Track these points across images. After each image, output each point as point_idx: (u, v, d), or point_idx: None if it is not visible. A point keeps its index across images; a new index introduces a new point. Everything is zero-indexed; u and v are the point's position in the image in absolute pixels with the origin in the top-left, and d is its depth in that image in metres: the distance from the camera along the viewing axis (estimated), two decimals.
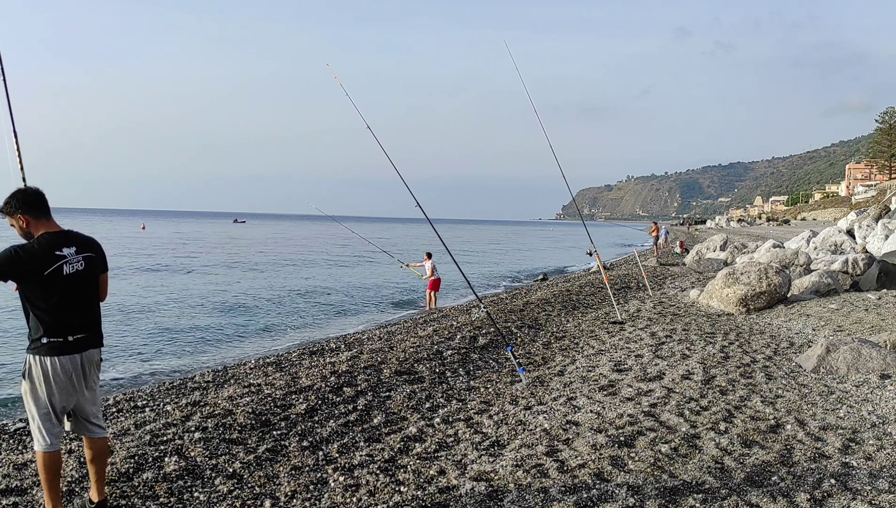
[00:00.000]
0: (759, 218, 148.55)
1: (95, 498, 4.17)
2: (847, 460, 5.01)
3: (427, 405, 6.84)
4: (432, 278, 18.91)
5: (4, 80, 4.79)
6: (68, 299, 3.87)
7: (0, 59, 4.73)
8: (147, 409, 6.85)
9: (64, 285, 3.84)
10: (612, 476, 4.71)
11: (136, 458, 5.12)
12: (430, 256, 18.83)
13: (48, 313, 3.81)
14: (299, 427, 6.03)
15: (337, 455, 5.35)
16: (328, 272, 32.07)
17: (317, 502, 4.47)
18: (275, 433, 5.87)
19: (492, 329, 10.88)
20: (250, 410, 6.42)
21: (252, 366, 9.59)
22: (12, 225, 3.95)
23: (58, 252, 3.85)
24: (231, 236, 74.89)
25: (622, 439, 5.40)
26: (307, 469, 5.07)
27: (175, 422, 6.11)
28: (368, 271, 33.12)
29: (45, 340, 3.81)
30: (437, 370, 8.35)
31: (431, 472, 4.94)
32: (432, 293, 18.99)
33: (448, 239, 11.00)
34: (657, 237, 33.14)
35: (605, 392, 6.93)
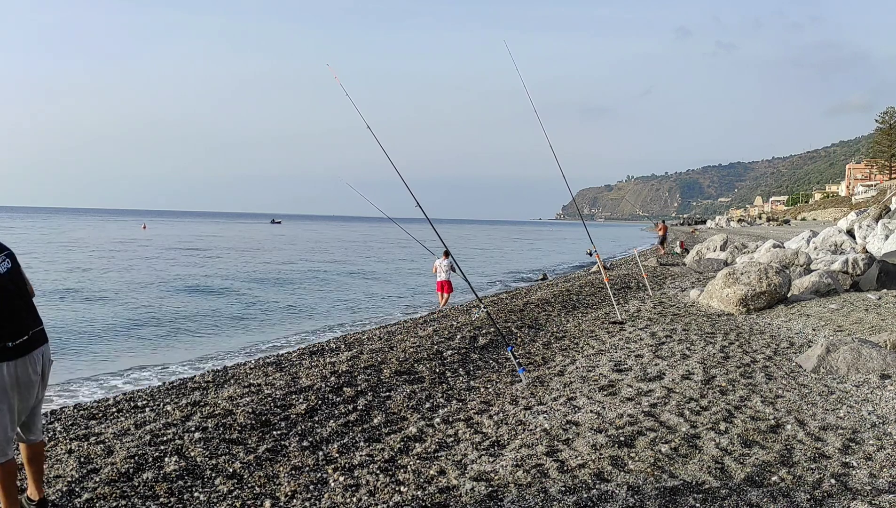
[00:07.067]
0: (759, 218, 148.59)
1: (36, 497, 4.15)
2: (847, 460, 5.01)
3: (427, 405, 6.84)
4: (440, 279, 18.30)
5: None
6: (16, 297, 3.82)
7: None
8: (147, 409, 6.85)
9: (6, 284, 3.78)
10: (612, 476, 4.71)
11: (136, 458, 5.12)
12: (447, 254, 17.39)
13: (4, 313, 3.72)
14: (299, 427, 6.03)
15: (337, 455, 5.35)
16: (334, 273, 32.07)
17: (317, 502, 4.47)
18: (275, 433, 5.87)
19: (492, 329, 10.87)
20: (250, 410, 6.42)
21: (252, 366, 9.59)
22: None
23: None
24: (274, 236, 76.22)
25: (622, 439, 5.40)
26: (307, 469, 5.07)
27: (175, 422, 6.11)
28: (373, 271, 33.13)
29: (10, 344, 3.70)
30: (437, 370, 8.35)
31: (431, 472, 4.94)
32: (441, 294, 18.49)
33: (448, 239, 11.01)
34: (664, 236, 33.40)
35: (605, 392, 6.93)
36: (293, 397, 6.99)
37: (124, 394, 8.10)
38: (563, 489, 4.52)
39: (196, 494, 4.57)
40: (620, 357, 8.75)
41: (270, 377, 8.18)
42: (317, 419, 6.32)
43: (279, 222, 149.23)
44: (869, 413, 6.15)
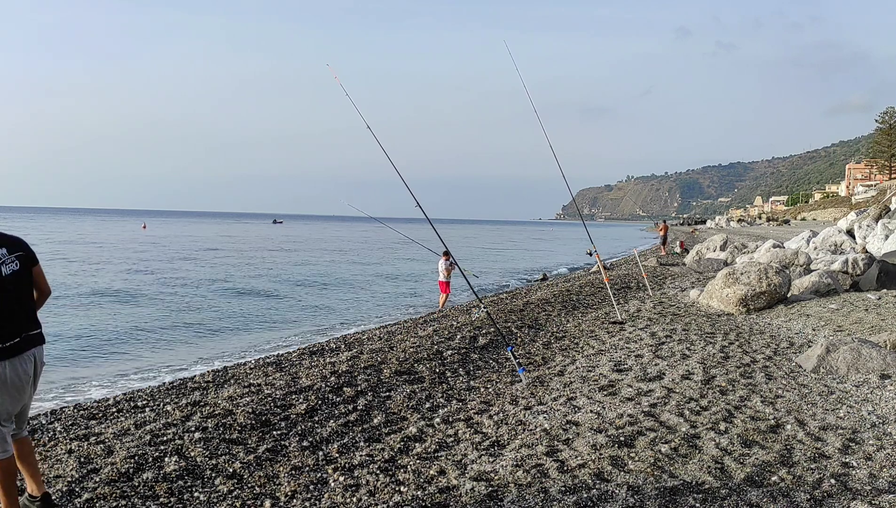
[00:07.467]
0: (759, 218, 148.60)
1: (38, 493, 4.13)
2: (847, 460, 5.01)
3: (427, 405, 6.84)
4: (442, 279, 17.83)
5: None
6: (14, 300, 3.83)
7: None
8: (147, 409, 6.85)
9: (6, 285, 3.80)
10: (612, 476, 4.71)
11: (136, 458, 5.12)
12: (446, 254, 17.02)
13: (3, 314, 3.75)
14: (299, 427, 6.03)
15: (337, 455, 5.35)
16: (336, 272, 32.08)
17: (317, 502, 4.47)
18: (275, 433, 5.87)
19: (492, 329, 10.87)
20: (250, 410, 6.42)
21: (252, 366, 9.59)
22: None
23: None
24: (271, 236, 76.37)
25: (622, 439, 5.40)
26: (307, 469, 5.07)
27: (175, 422, 6.11)
28: (374, 271, 33.13)
29: (1, 345, 3.73)
30: (437, 370, 8.35)
31: (431, 472, 4.94)
32: (443, 295, 18.12)
33: (450, 239, 11.01)
34: (665, 236, 33.52)
35: (605, 392, 6.93)
36: (293, 397, 6.99)
37: (124, 394, 8.09)
38: (563, 489, 4.52)
39: (196, 494, 4.57)
40: (620, 357, 8.75)
41: (270, 377, 8.18)
42: (317, 419, 6.32)
43: (281, 223, 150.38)
44: (869, 413, 6.15)
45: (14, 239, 4.03)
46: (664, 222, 35.30)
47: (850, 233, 26.07)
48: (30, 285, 4.01)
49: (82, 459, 5.12)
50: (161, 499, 4.47)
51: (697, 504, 4.26)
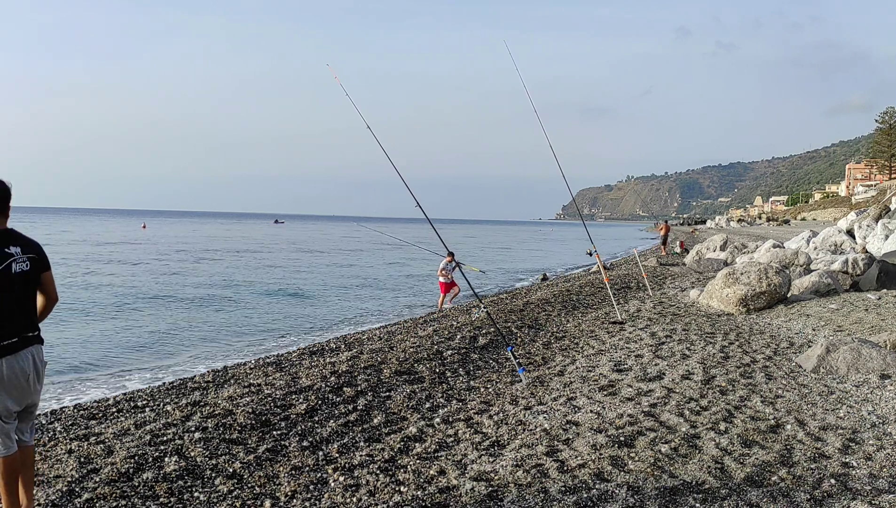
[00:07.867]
0: (759, 218, 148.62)
1: (25, 506, 4.06)
2: (847, 460, 5.01)
3: (427, 405, 6.84)
4: (444, 280, 17.56)
5: None
6: (18, 299, 3.83)
7: None
8: (147, 409, 6.85)
9: (13, 284, 3.80)
10: (612, 476, 4.71)
11: (136, 458, 5.12)
12: (450, 256, 15.98)
13: (3, 313, 3.75)
14: (299, 427, 6.03)
15: (337, 455, 5.35)
16: (337, 272, 32.09)
17: (317, 502, 4.47)
18: (275, 433, 5.87)
19: (492, 329, 10.87)
20: (250, 410, 6.42)
21: (252, 366, 9.59)
22: None
23: (7, 250, 3.80)
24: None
25: (622, 439, 5.40)
26: (307, 469, 5.07)
27: (175, 422, 6.11)
28: (375, 271, 33.14)
29: (2, 342, 3.74)
30: (437, 370, 8.35)
31: (431, 472, 4.94)
32: (444, 296, 17.88)
33: (452, 239, 11.00)
34: (665, 236, 33.53)
35: (605, 392, 6.93)
36: (293, 397, 6.99)
37: (124, 394, 8.10)
38: (563, 489, 4.52)
39: (196, 494, 4.57)
40: (620, 357, 8.75)
41: (270, 377, 8.18)
42: (317, 419, 6.32)
43: (282, 223, 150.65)
44: (869, 413, 6.16)
45: (30, 241, 4.02)
46: (665, 221, 35.28)
47: (850, 233, 26.07)
48: (35, 289, 3.99)
49: (82, 459, 5.13)
50: (161, 499, 4.47)
51: (697, 504, 4.26)
